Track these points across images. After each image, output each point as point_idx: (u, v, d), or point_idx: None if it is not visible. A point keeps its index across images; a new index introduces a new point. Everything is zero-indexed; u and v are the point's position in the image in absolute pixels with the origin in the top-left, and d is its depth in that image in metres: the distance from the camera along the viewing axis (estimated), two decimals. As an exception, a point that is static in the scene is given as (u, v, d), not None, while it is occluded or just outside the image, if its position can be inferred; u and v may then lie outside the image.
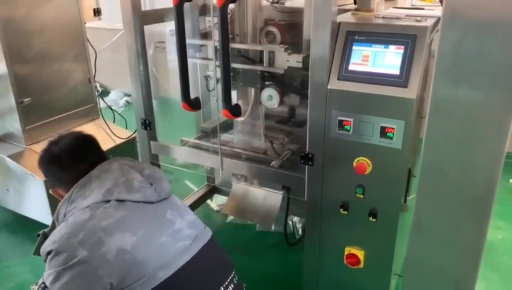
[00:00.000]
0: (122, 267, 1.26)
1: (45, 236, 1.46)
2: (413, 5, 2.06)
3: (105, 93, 5.26)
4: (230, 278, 1.49)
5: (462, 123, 1.21)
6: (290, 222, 2.79)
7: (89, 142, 1.61)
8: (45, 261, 1.33)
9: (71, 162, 1.51)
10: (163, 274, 1.31)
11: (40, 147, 2.67)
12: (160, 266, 1.31)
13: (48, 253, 1.30)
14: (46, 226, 2.56)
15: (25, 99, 2.61)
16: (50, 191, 1.61)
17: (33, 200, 2.65)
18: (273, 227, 2.75)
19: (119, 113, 3.47)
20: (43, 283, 1.33)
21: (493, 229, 2.80)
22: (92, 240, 1.27)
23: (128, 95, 5.24)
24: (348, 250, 1.79)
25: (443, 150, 1.26)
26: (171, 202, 1.52)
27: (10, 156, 2.63)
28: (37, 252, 1.47)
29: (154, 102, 2.26)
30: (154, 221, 1.41)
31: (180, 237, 1.41)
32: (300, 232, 2.73)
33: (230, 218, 2.91)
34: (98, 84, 3.76)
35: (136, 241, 1.30)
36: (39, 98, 2.71)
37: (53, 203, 2.57)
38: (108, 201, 1.38)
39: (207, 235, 1.51)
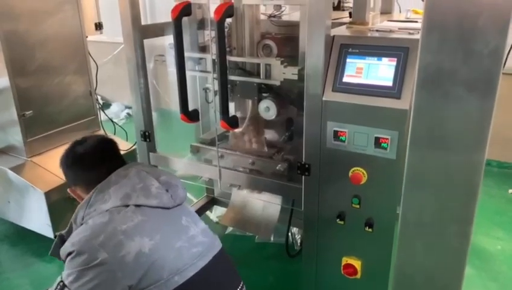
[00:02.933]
0: (140, 270, 1.30)
1: (62, 237, 1.51)
2: (408, 18, 2.09)
3: (106, 105, 5.32)
4: (240, 287, 1.54)
5: (442, 132, 1.24)
6: (289, 233, 2.79)
7: (110, 146, 1.68)
8: (64, 261, 1.38)
9: (93, 163, 1.58)
10: (179, 279, 1.35)
11: (41, 159, 2.76)
12: (177, 269, 1.35)
13: (69, 254, 1.34)
14: (47, 238, 2.61)
15: (27, 112, 2.64)
16: (68, 190, 1.66)
17: (34, 212, 2.67)
18: (272, 238, 2.76)
19: (119, 126, 3.51)
20: (62, 281, 1.36)
21: (492, 239, 2.80)
22: (113, 243, 1.31)
23: (130, 108, 5.29)
24: (345, 260, 1.80)
25: (426, 157, 1.28)
26: (184, 209, 1.58)
27: (11, 168, 2.65)
28: (53, 253, 1.53)
29: (154, 114, 2.30)
30: (170, 226, 1.46)
31: (195, 243, 1.46)
32: (299, 243, 2.74)
33: (230, 229, 2.92)
34: (99, 97, 3.81)
35: (153, 245, 1.35)
36: (41, 111, 2.75)
37: (53, 215, 2.60)
38: (127, 206, 1.43)
39: (217, 244, 1.56)
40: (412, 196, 1.34)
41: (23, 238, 2.84)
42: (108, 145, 1.68)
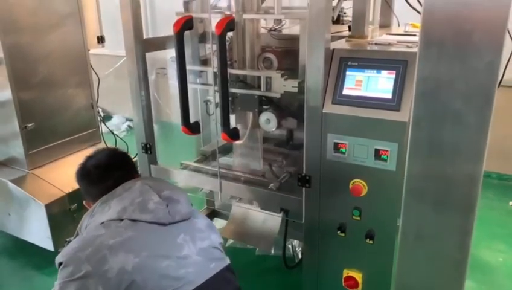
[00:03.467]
0: (120, 286, 1.28)
1: None
2: (406, 32, 2.12)
3: (108, 118, 5.34)
4: None
5: (441, 144, 1.25)
6: (290, 246, 2.78)
7: (119, 159, 1.72)
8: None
9: (99, 177, 1.62)
10: None
11: (42, 171, 2.76)
12: None
13: (60, 264, 1.36)
14: (47, 251, 2.61)
15: (29, 125, 2.65)
16: (83, 203, 1.71)
17: (34, 225, 2.66)
18: (272, 251, 2.74)
19: (120, 138, 3.52)
20: None
21: (494, 252, 2.78)
22: (97, 257, 1.31)
23: (131, 120, 5.31)
24: (346, 273, 1.80)
25: (425, 169, 1.29)
26: (188, 225, 1.51)
27: (12, 181, 2.65)
28: None
29: (155, 126, 2.31)
30: (161, 244, 1.41)
31: (185, 263, 1.40)
32: (300, 256, 2.72)
33: (230, 242, 2.90)
34: (100, 110, 3.83)
35: (137, 263, 1.32)
36: (42, 123, 2.76)
37: (54, 228, 2.59)
38: (122, 219, 1.42)
39: (219, 265, 1.49)
40: (412, 208, 1.35)
41: (23, 251, 2.83)
42: (117, 159, 1.71)
